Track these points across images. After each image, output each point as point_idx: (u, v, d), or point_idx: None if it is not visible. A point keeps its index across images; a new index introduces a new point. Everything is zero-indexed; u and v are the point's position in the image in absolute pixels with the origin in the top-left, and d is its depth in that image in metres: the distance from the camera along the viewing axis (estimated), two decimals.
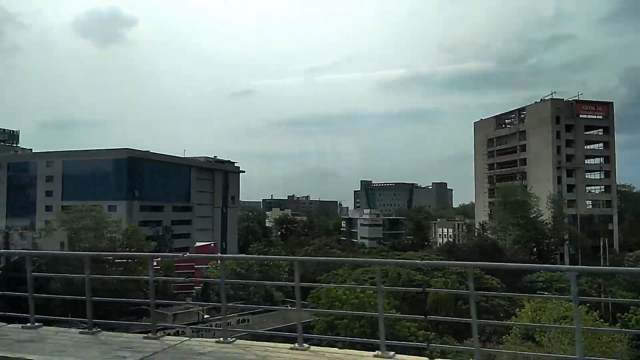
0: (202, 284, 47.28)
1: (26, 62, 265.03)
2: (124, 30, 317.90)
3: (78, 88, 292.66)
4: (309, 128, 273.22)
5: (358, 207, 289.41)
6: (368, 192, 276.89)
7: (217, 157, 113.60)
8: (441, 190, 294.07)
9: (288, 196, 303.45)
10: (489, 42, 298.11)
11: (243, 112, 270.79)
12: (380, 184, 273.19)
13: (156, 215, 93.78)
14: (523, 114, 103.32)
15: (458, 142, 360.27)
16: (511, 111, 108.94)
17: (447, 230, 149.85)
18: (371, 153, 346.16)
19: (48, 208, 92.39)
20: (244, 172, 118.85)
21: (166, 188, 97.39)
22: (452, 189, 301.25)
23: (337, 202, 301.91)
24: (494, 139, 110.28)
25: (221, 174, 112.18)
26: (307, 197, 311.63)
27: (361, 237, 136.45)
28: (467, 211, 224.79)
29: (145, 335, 6.34)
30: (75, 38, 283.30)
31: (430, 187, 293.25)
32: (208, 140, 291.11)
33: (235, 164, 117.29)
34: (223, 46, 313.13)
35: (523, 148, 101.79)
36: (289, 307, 32.71)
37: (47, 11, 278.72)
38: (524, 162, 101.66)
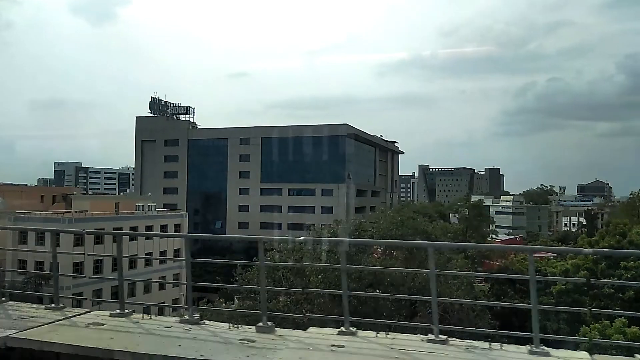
0: None
1: (19, 38, 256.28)
2: (117, 9, 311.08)
3: (71, 67, 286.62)
4: (306, 111, 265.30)
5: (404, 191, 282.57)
6: (427, 176, 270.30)
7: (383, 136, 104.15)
8: (494, 176, 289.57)
9: None
10: (490, 25, 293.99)
11: (238, 94, 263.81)
12: (440, 168, 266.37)
13: (359, 201, 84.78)
14: None
15: (459, 127, 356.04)
16: None
17: (571, 218, 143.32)
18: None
19: (243, 191, 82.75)
20: (403, 153, 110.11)
21: (363, 169, 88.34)
22: (504, 175, 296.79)
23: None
24: None
25: (390, 155, 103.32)
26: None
27: (497, 226, 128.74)
28: (532, 197, 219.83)
29: None
30: (68, 15, 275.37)
31: (482, 173, 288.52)
32: (203, 121, 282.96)
33: (395, 144, 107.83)
34: (217, 26, 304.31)
35: None
36: None
37: None
38: None
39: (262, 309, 5.54)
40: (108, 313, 6.08)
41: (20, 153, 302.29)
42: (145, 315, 6.03)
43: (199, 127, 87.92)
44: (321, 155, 78.55)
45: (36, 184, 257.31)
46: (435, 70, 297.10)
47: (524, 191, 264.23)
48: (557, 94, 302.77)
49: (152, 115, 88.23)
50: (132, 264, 55.36)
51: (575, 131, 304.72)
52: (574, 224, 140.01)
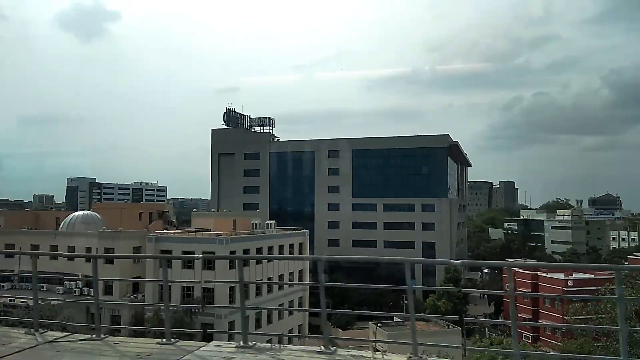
0: None
1: (5, 53, 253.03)
2: (108, 25, 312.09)
3: (59, 82, 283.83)
4: (295, 126, 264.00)
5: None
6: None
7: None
8: (509, 190, 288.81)
9: None
10: (477, 40, 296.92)
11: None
12: None
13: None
14: None
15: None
16: None
17: (620, 232, 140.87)
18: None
19: (332, 207, 77.80)
20: (471, 166, 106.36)
21: (452, 182, 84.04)
22: (517, 189, 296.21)
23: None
24: None
25: (464, 168, 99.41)
26: None
27: (553, 242, 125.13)
28: (551, 211, 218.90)
29: None
30: (57, 31, 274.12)
31: (497, 186, 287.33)
32: (191, 137, 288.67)
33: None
34: (208, 42, 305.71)
35: None
36: None
37: (29, 3, 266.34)
38: None
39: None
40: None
41: (10, 170, 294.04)
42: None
43: (279, 139, 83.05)
44: (420, 168, 74.23)
45: (31, 200, 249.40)
46: (422, 84, 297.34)
47: (541, 205, 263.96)
48: (544, 108, 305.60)
49: (227, 127, 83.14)
50: (258, 290, 50.20)
51: (561, 145, 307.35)
52: (623, 238, 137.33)
